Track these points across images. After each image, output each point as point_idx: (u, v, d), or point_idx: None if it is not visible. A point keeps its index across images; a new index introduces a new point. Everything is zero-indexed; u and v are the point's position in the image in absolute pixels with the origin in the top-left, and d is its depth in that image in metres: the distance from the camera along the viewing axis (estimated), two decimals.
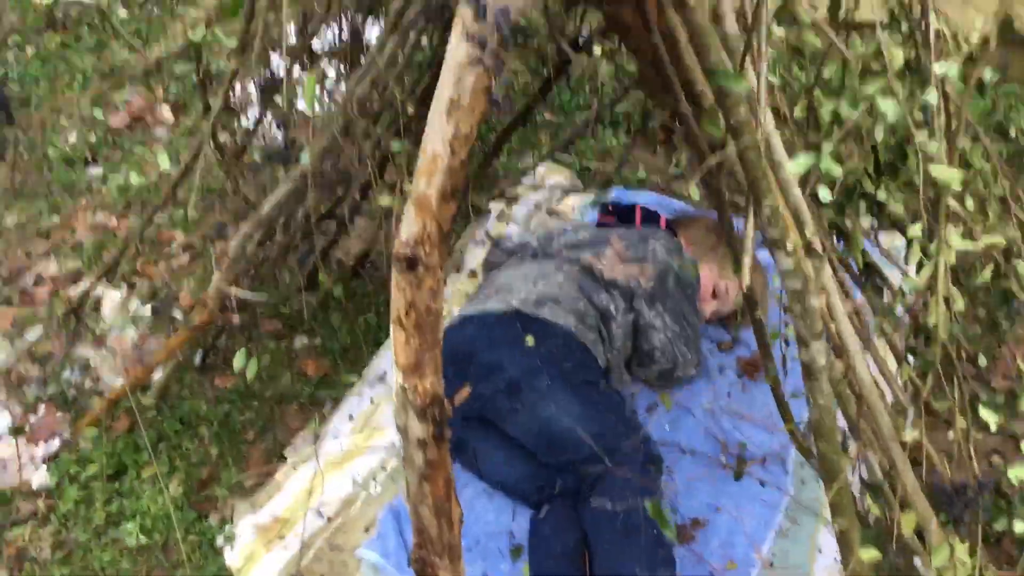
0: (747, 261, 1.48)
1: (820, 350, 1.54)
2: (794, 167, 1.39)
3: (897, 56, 1.37)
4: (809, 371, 1.57)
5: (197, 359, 2.83)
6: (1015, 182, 2.34)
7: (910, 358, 2.21)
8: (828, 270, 1.54)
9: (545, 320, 2.35)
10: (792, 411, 2.47)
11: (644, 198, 3.08)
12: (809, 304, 1.52)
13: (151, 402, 2.68)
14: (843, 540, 1.66)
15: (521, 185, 3.22)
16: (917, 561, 2.01)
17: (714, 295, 2.61)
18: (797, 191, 1.56)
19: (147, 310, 3.08)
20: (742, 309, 2.37)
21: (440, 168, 1.50)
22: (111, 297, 3.15)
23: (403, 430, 1.76)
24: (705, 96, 1.54)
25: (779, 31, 2.15)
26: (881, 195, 2.02)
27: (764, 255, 2.78)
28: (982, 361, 1.90)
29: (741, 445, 2.37)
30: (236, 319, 2.13)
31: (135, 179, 2.77)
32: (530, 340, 2.31)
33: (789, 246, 1.47)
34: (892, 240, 2.58)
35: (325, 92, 1.93)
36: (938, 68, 1.32)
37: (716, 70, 1.32)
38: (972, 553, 1.61)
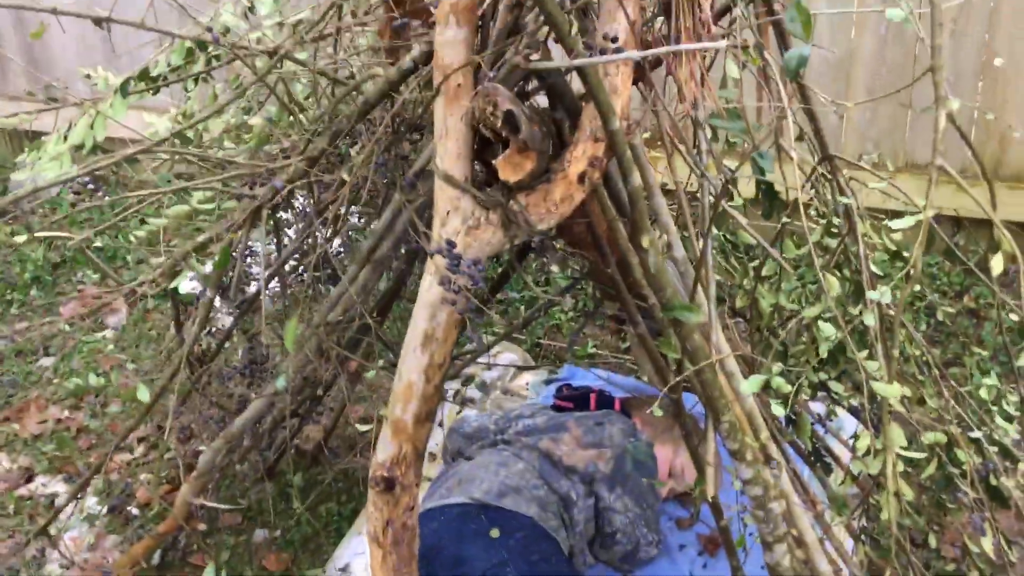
0: (710, 473, 1.56)
1: (784, 552, 1.62)
2: (747, 387, 1.49)
3: (834, 285, 1.50)
4: (775, 573, 1.64)
5: (156, 557, 2.79)
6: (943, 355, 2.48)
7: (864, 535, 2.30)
8: (785, 476, 1.64)
9: (509, 511, 2.39)
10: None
11: (591, 378, 3.18)
12: (770, 509, 1.60)
13: None
14: None
15: (476, 364, 3.30)
16: None
17: (670, 475, 2.69)
18: (751, 400, 1.67)
19: (100, 508, 3.05)
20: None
21: (415, 395, 1.58)
22: (63, 492, 3.11)
23: None
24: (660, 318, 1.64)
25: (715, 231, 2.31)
26: (823, 376, 2.15)
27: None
28: (932, 541, 1.99)
29: None
30: (202, 526, 2.14)
31: (93, 379, 2.79)
32: (495, 532, 2.35)
33: (749, 456, 1.56)
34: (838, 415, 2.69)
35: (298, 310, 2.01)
36: (872, 295, 1.46)
37: (672, 305, 1.44)
38: None
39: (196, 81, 2.31)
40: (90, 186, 4.57)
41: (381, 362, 2.42)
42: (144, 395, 1.93)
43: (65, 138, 2.21)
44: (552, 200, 1.42)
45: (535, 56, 1.35)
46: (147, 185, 2.33)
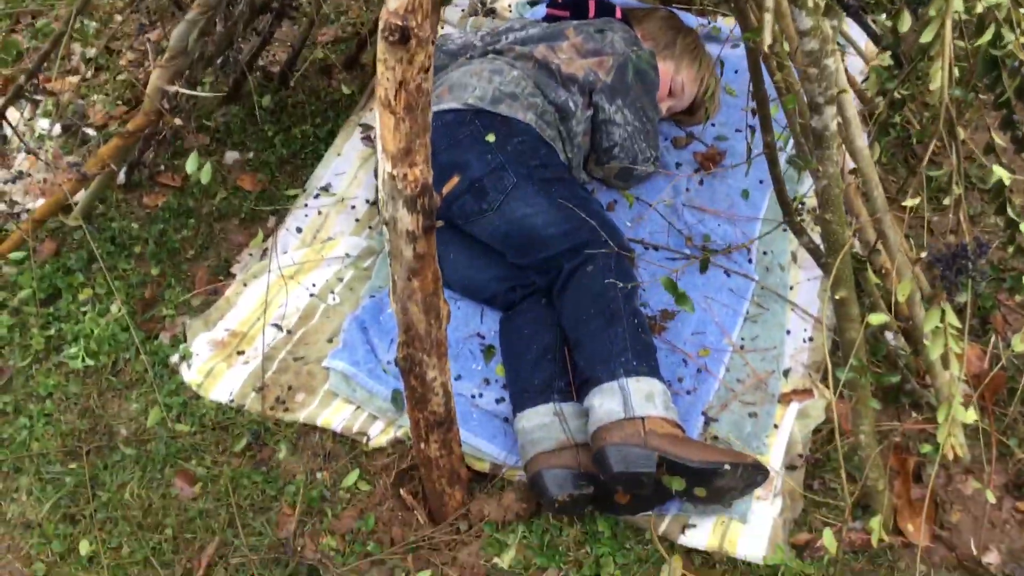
0: (768, 19, 1.40)
1: (832, 116, 1.51)
2: None
3: None
4: (820, 139, 1.53)
5: (121, 177, 2.63)
6: None
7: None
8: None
9: (506, 117, 2.25)
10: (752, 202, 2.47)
11: None
12: (825, 66, 1.46)
13: (76, 222, 2.49)
14: (841, 310, 1.67)
15: None
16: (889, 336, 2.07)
17: (670, 92, 2.54)
18: None
19: (53, 129, 2.84)
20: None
21: None
22: (10, 117, 2.88)
23: (390, 222, 1.67)
24: None
25: None
26: None
27: (715, 51, 2.71)
28: (962, 132, 1.90)
29: (705, 237, 2.36)
30: (177, 121, 1.95)
31: None
32: (491, 137, 2.22)
33: (810, 3, 1.40)
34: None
35: None
36: None
37: None
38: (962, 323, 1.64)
39: None
40: None
41: None
42: None
43: None
44: None
45: None
46: None
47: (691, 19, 2.76)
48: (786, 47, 1.52)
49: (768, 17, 1.38)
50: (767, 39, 1.38)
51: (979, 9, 1.60)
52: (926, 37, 1.59)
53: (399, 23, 1.45)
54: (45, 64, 2.34)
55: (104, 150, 2.14)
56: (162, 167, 2.70)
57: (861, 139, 1.65)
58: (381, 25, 1.49)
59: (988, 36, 1.61)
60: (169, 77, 1.90)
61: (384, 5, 1.48)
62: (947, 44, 1.57)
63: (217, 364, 2.20)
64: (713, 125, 2.65)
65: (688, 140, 2.62)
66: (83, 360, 2.23)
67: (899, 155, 2.55)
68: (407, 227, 1.65)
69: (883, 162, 2.48)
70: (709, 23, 2.92)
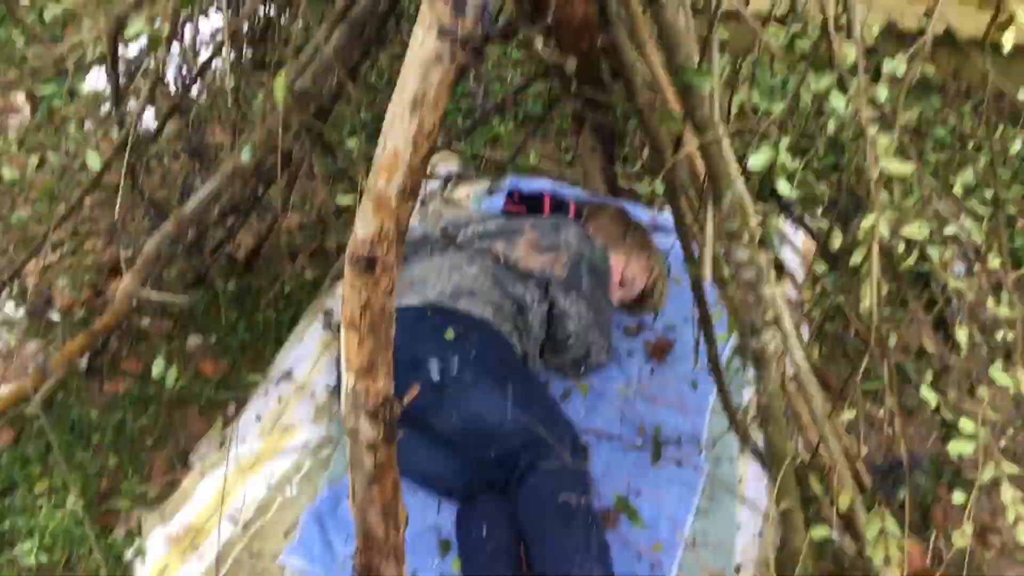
0: (708, 254, 1.52)
1: (772, 338, 1.60)
2: (755, 161, 1.43)
3: (849, 54, 1.43)
4: (759, 359, 1.62)
5: (82, 364, 2.66)
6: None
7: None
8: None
9: (464, 313, 2.34)
10: (700, 396, 2.55)
11: (539, 185, 3.10)
12: (762, 293, 1.57)
13: (35, 412, 2.50)
14: (786, 520, 1.73)
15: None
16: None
17: (621, 283, 2.66)
18: (742, 184, 1.61)
19: (17, 313, 2.88)
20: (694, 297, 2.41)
21: (401, 165, 1.47)
22: None
23: (352, 433, 1.72)
24: (658, 92, 1.56)
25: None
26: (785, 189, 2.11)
27: (665, 241, 2.85)
28: (892, 341, 2.01)
29: (657, 428, 2.43)
30: (145, 322, 2.01)
31: (7, 173, 2.56)
32: (450, 334, 2.30)
33: (746, 238, 1.52)
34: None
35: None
36: (888, 65, 1.39)
37: (685, 67, 1.35)
38: (901, 525, 1.70)
39: None
40: None
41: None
42: (95, 162, 1.75)
43: None
44: None
45: None
46: None
47: (641, 211, 2.91)
48: (728, 271, 1.63)
49: (707, 251, 1.49)
50: (706, 274, 1.48)
51: (901, 248, 1.74)
52: (855, 260, 1.72)
53: (365, 253, 1.55)
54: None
55: (70, 346, 2.18)
56: (124, 353, 2.73)
57: (800, 352, 1.75)
58: (348, 252, 1.58)
59: (910, 261, 1.74)
60: (139, 282, 1.96)
61: (352, 235, 1.58)
62: (875, 264, 1.70)
63: (171, 561, 2.18)
64: (661, 316, 2.76)
65: (638, 329, 2.72)
66: (36, 557, 2.21)
67: (839, 347, 2.67)
68: (368, 438, 1.69)
69: (823, 354, 2.59)
70: (659, 211, 3.08)
